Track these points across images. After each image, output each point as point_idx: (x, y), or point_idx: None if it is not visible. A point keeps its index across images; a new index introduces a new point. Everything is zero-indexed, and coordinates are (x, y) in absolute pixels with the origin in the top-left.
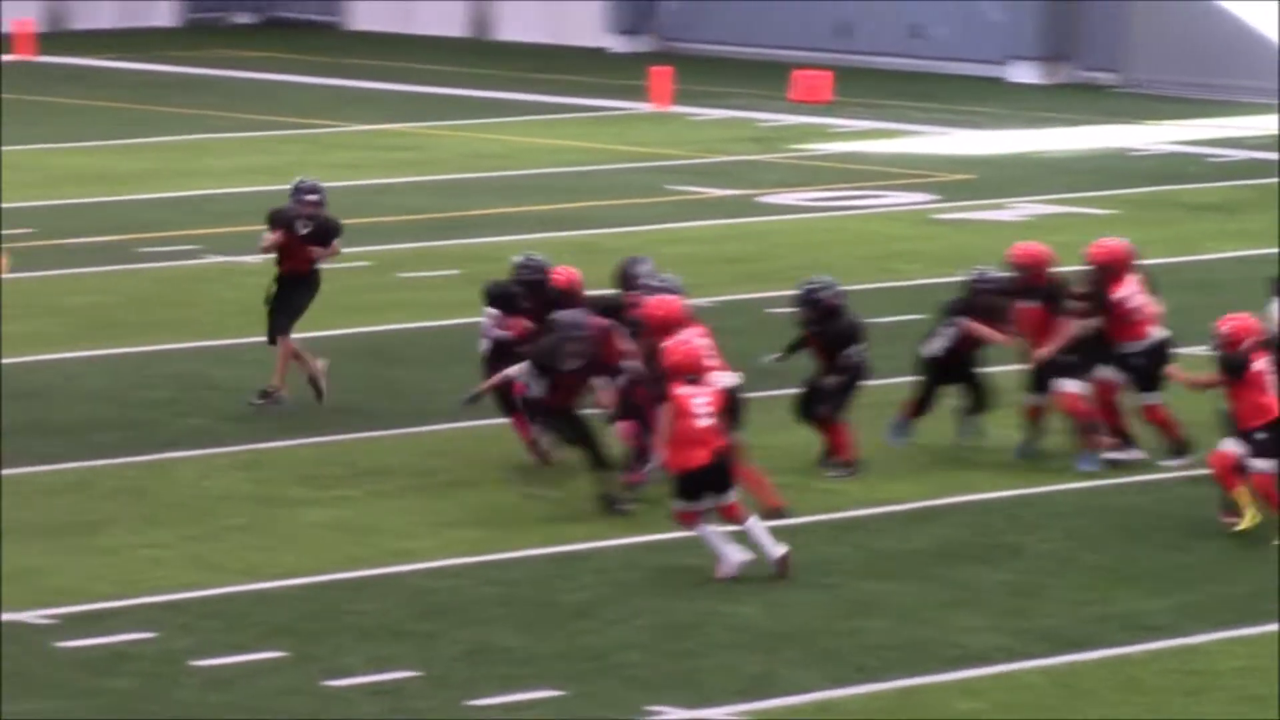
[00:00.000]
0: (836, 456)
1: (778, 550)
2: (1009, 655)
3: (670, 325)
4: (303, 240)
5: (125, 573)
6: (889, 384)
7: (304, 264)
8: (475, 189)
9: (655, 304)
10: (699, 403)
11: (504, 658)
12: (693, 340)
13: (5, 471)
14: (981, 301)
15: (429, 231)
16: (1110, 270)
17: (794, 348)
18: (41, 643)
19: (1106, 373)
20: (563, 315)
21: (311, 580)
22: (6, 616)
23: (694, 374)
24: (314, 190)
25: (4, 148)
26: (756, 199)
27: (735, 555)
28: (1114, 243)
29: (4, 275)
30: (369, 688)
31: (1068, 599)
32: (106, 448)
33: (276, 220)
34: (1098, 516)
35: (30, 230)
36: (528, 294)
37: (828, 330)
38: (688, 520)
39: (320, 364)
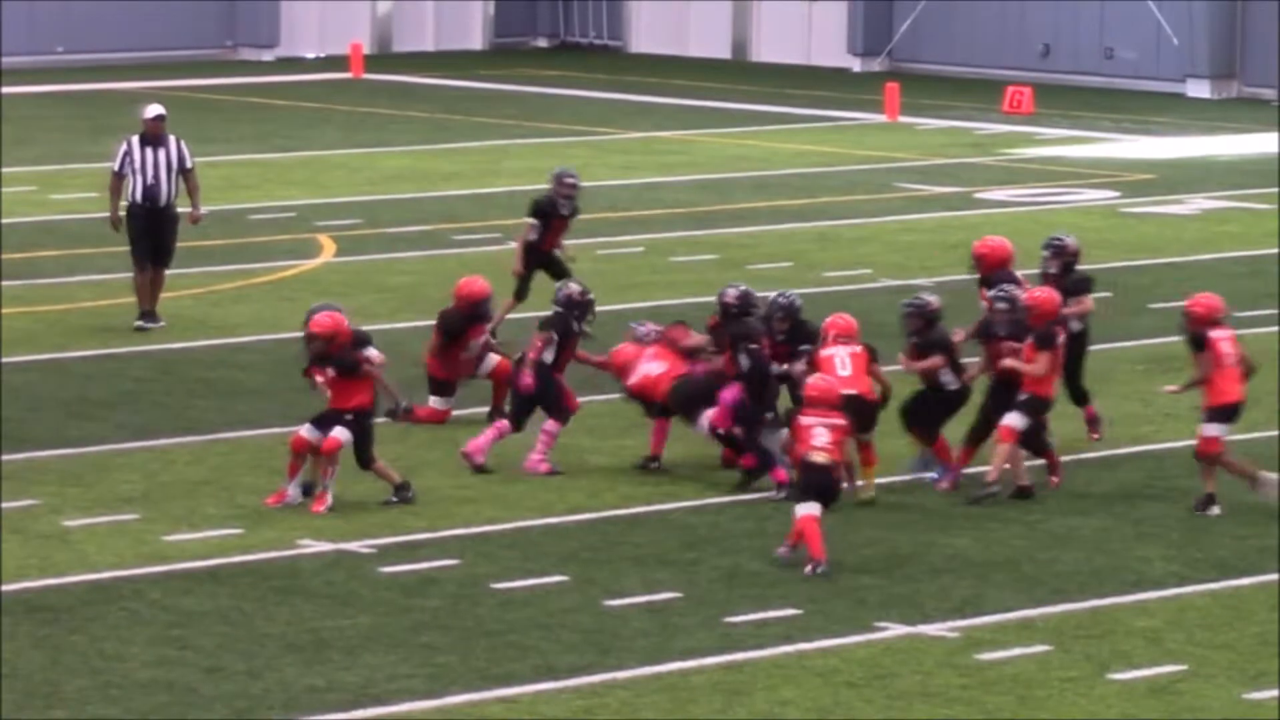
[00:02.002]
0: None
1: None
2: (1180, 580)
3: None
4: (565, 219)
5: (436, 510)
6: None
7: (558, 242)
8: (733, 187)
9: None
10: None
11: (754, 581)
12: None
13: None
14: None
15: (693, 222)
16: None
17: None
18: (365, 568)
19: None
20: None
21: (594, 516)
22: (336, 546)
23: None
24: (573, 175)
25: (336, 151)
26: (972, 195)
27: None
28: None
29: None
30: (642, 607)
31: (1231, 533)
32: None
33: (542, 207)
34: (1261, 466)
35: (359, 220)
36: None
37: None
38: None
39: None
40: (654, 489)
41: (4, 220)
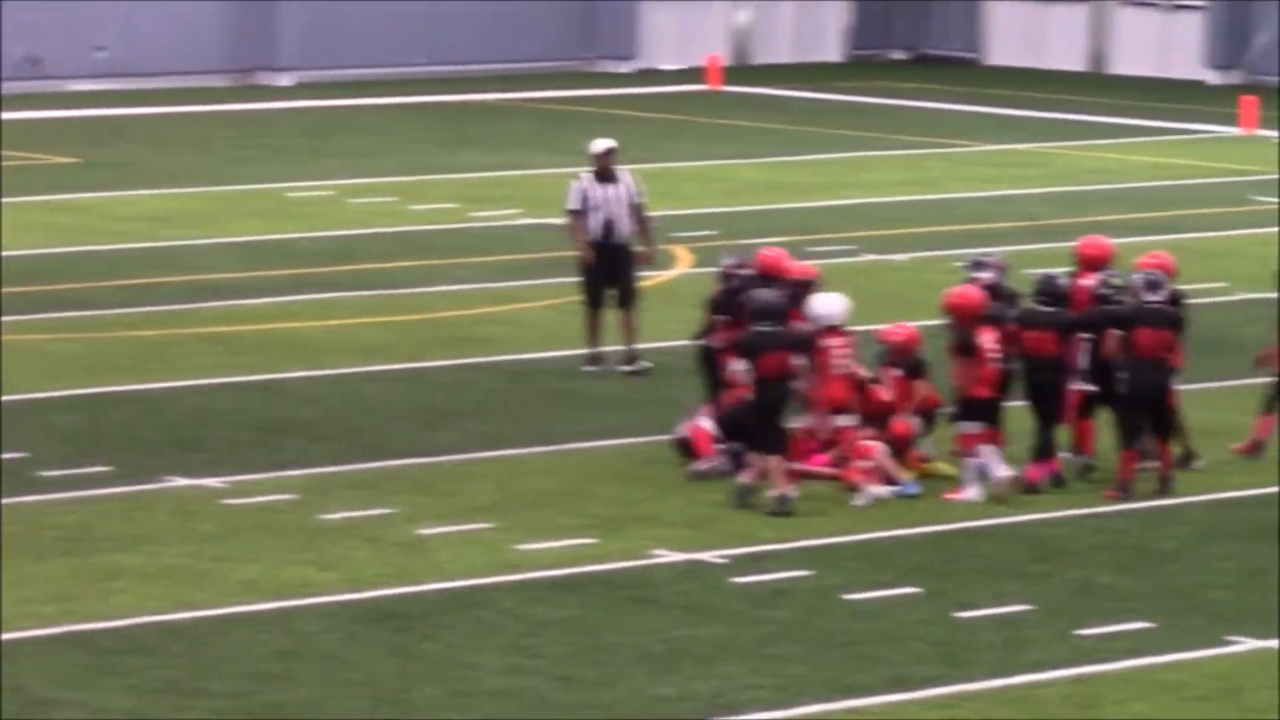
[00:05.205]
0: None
1: None
2: None
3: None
4: None
5: (787, 521)
6: None
7: None
8: (1087, 200)
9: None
10: None
11: (1105, 594)
12: None
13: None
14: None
15: (1046, 235)
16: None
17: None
18: (717, 578)
19: None
20: None
21: (943, 528)
22: (689, 556)
23: None
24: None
25: (692, 162)
26: None
27: None
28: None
29: None
30: (992, 619)
31: None
32: None
33: None
34: None
35: (714, 232)
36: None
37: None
38: None
39: None
40: (1013, 502)
41: (363, 230)
